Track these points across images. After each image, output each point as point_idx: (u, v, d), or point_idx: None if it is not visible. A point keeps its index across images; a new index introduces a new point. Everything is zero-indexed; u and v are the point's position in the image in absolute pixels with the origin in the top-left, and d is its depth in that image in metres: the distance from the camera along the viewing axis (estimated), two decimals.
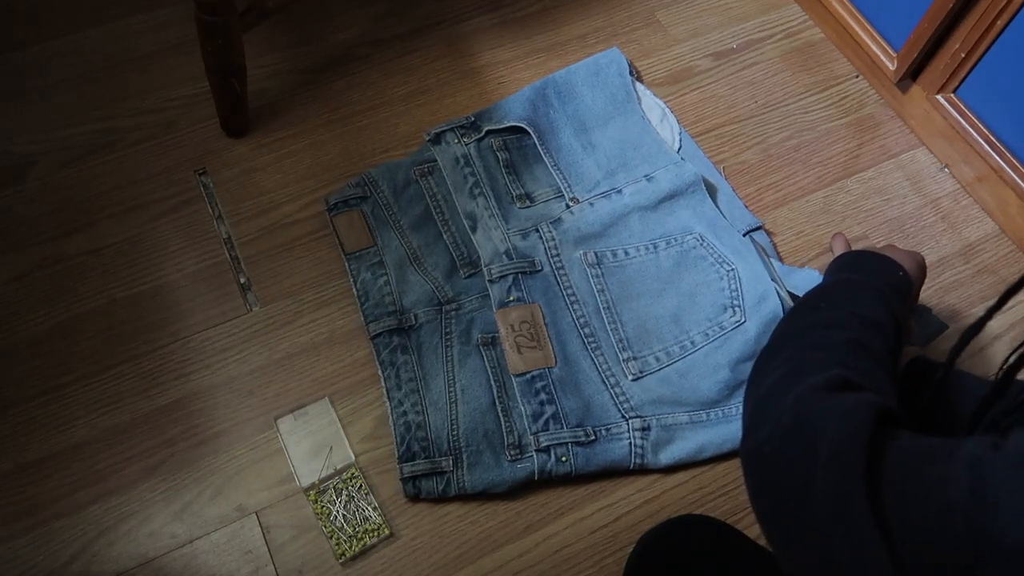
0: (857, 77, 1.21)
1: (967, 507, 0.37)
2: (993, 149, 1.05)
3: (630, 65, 1.17)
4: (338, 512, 0.85)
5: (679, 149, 1.10)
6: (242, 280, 1.00)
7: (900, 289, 0.68)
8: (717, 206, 1.03)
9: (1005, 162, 1.04)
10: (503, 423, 0.89)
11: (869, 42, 1.16)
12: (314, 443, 0.89)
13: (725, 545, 0.69)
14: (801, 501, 0.44)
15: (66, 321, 0.96)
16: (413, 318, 0.95)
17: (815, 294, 0.66)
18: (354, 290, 0.97)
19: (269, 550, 0.84)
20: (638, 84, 1.16)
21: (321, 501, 0.86)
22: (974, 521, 0.37)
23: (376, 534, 0.84)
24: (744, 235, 1.02)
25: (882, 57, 1.15)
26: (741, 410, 0.90)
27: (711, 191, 1.04)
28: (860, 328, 0.58)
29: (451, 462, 0.86)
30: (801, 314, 0.63)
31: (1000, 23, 0.97)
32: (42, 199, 1.04)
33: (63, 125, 1.11)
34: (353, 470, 0.88)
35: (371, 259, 0.99)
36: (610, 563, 0.85)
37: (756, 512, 0.50)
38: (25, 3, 1.21)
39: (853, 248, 0.80)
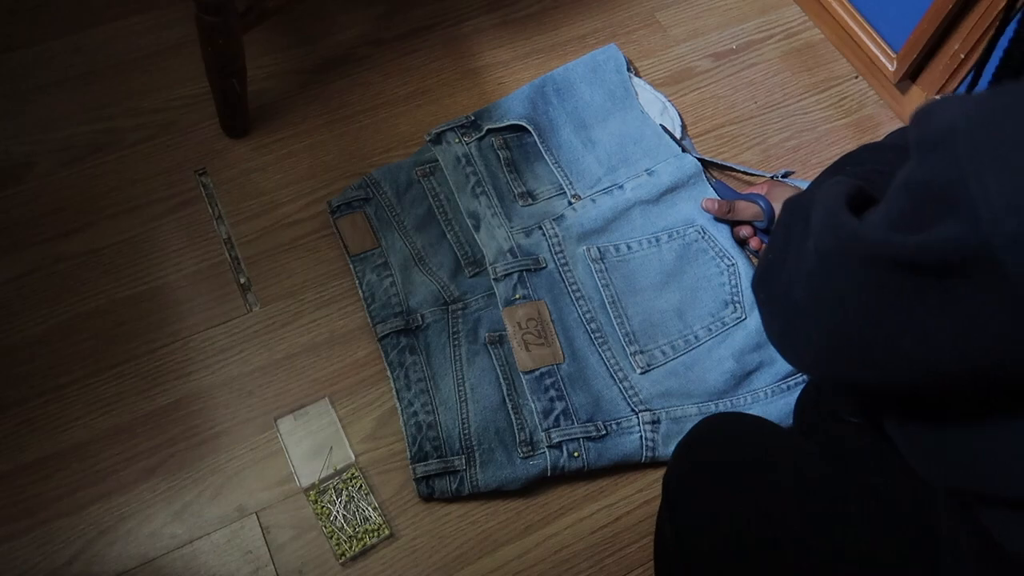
0: (856, 78, 1.21)
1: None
2: None
3: (627, 61, 1.17)
4: (338, 512, 0.85)
5: (682, 138, 1.10)
6: (242, 280, 1.00)
7: None
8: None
9: None
10: (514, 421, 0.89)
11: (869, 43, 1.16)
12: (314, 443, 0.89)
13: (769, 438, 0.68)
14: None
15: (66, 321, 0.96)
16: (420, 318, 0.95)
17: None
18: (360, 292, 0.97)
19: (269, 550, 0.84)
20: (636, 79, 1.16)
21: (321, 501, 0.86)
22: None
23: (376, 534, 0.84)
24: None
25: (882, 58, 1.15)
26: (750, 400, 0.90)
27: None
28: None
29: (464, 461, 0.87)
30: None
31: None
32: (42, 199, 1.04)
33: (63, 125, 1.11)
34: (353, 470, 0.88)
35: (376, 260, 0.99)
36: (610, 563, 0.85)
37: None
38: (25, 3, 1.21)
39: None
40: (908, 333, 0.42)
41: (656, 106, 1.13)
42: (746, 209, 0.99)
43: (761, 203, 0.97)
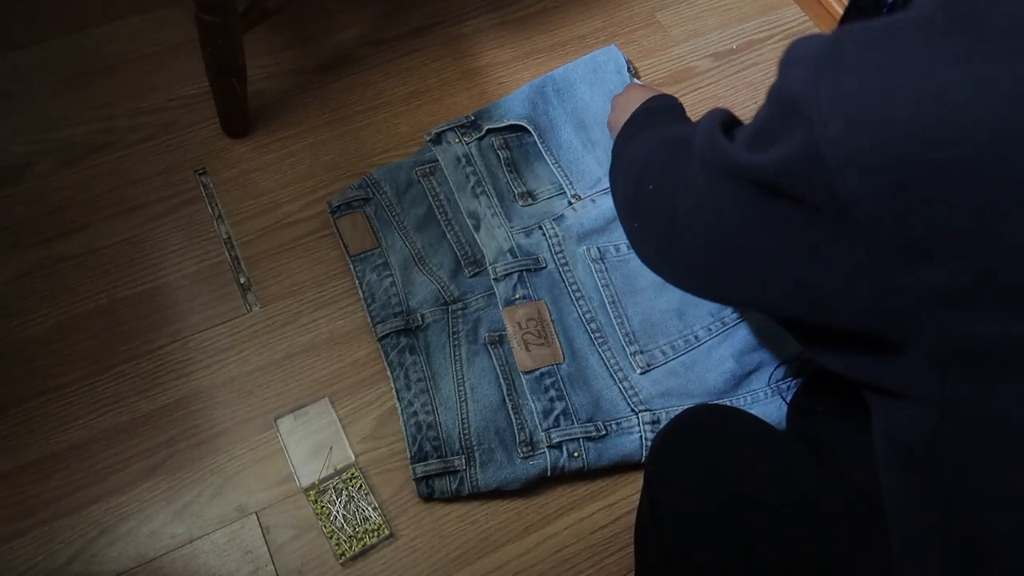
0: None
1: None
2: None
3: (628, 63, 1.17)
4: (338, 512, 0.85)
5: None
6: (242, 280, 1.00)
7: (679, 109, 0.88)
8: None
9: None
10: (514, 421, 0.89)
11: None
12: (314, 443, 0.89)
13: (754, 432, 0.70)
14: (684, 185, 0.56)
15: (66, 321, 0.96)
16: (420, 318, 0.95)
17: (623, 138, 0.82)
18: (360, 292, 0.97)
19: (269, 550, 0.84)
20: (636, 80, 1.16)
21: (321, 501, 0.86)
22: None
23: (376, 534, 0.84)
24: None
25: None
26: (750, 400, 0.90)
27: None
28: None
29: (464, 461, 0.87)
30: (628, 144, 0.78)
31: None
32: (42, 199, 1.04)
33: (63, 125, 1.11)
34: (353, 470, 0.88)
35: (376, 260, 0.99)
36: (610, 563, 0.85)
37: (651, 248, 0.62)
38: (25, 3, 1.21)
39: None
40: (776, 246, 0.46)
41: None
42: None
43: None
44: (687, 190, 0.55)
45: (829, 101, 0.38)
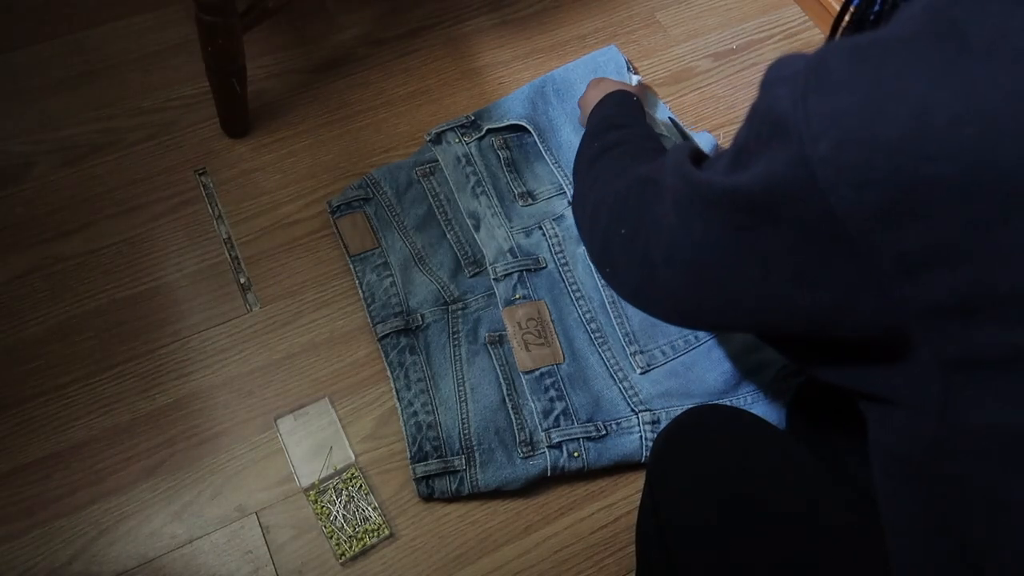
0: None
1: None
2: None
3: (628, 62, 1.17)
4: (338, 512, 0.85)
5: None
6: (242, 280, 1.00)
7: (634, 105, 0.90)
8: None
9: None
10: (514, 421, 0.89)
11: None
12: (314, 443, 0.89)
13: (755, 432, 0.70)
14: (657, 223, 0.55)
15: (66, 321, 0.96)
16: (420, 318, 0.95)
17: (587, 139, 0.84)
18: (360, 292, 0.97)
19: (269, 550, 0.84)
20: (634, 76, 1.16)
21: (321, 501, 0.86)
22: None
23: (376, 534, 0.84)
24: None
25: None
26: (751, 400, 0.90)
27: None
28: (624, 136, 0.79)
29: (464, 461, 0.87)
30: (588, 152, 0.81)
31: None
32: (42, 199, 1.04)
33: (63, 125, 1.11)
34: (353, 470, 0.88)
35: (376, 260, 0.99)
36: (610, 563, 0.85)
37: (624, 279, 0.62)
38: (25, 3, 1.21)
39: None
40: (762, 273, 0.46)
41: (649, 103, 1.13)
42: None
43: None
44: (660, 231, 0.54)
45: (818, 119, 0.38)
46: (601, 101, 0.91)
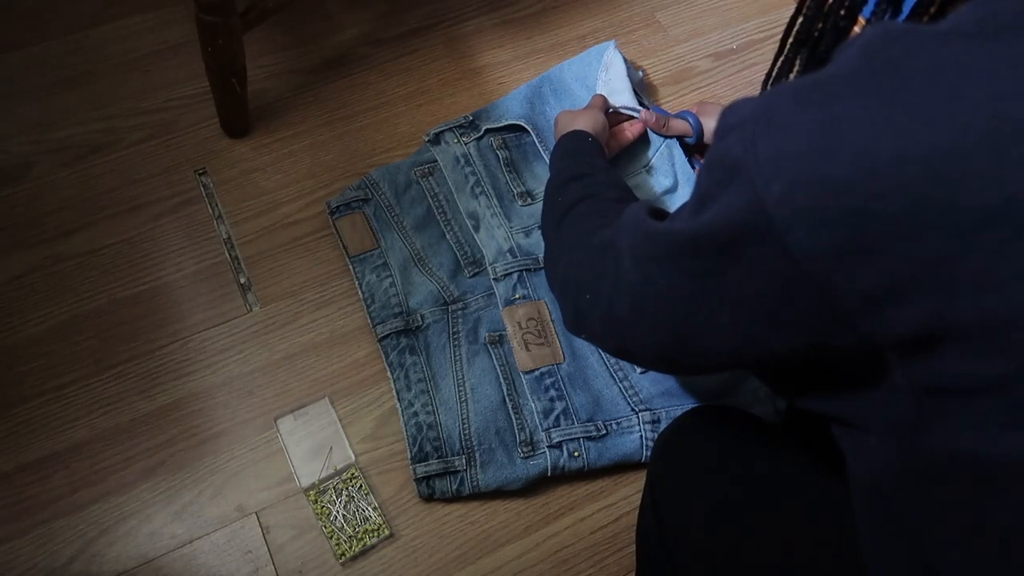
0: None
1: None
2: None
3: (628, 62, 1.17)
4: (338, 512, 0.85)
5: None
6: (242, 280, 1.00)
7: (589, 147, 0.89)
8: None
9: None
10: (514, 420, 0.89)
11: None
12: (314, 443, 0.89)
13: (753, 431, 0.71)
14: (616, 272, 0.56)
15: (66, 321, 0.96)
16: (420, 319, 0.95)
17: (550, 189, 0.84)
18: (360, 292, 0.97)
19: (269, 550, 0.84)
20: (635, 73, 1.15)
21: (321, 501, 0.86)
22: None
23: (376, 534, 0.84)
24: None
25: None
26: (751, 400, 0.91)
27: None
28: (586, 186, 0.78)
29: (464, 461, 0.87)
30: (552, 205, 0.81)
31: None
32: (42, 199, 1.04)
33: (63, 125, 1.11)
34: (353, 470, 0.88)
35: (375, 261, 0.99)
36: (610, 563, 0.85)
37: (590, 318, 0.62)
38: (25, 3, 1.21)
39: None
40: (732, 319, 0.47)
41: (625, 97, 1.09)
42: (677, 125, 1.04)
43: (691, 119, 1.03)
44: (626, 293, 0.55)
45: (768, 163, 0.39)
46: (557, 144, 0.91)
